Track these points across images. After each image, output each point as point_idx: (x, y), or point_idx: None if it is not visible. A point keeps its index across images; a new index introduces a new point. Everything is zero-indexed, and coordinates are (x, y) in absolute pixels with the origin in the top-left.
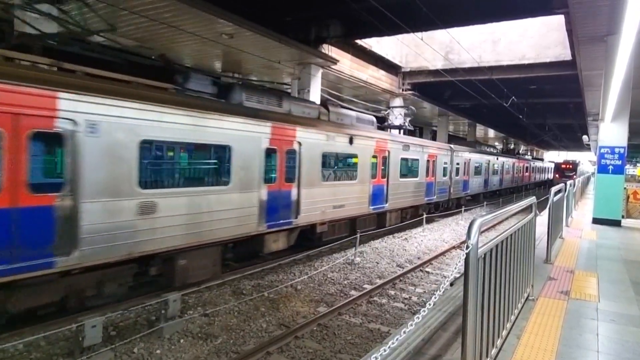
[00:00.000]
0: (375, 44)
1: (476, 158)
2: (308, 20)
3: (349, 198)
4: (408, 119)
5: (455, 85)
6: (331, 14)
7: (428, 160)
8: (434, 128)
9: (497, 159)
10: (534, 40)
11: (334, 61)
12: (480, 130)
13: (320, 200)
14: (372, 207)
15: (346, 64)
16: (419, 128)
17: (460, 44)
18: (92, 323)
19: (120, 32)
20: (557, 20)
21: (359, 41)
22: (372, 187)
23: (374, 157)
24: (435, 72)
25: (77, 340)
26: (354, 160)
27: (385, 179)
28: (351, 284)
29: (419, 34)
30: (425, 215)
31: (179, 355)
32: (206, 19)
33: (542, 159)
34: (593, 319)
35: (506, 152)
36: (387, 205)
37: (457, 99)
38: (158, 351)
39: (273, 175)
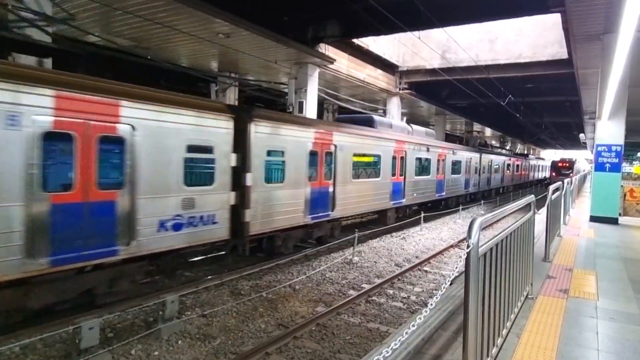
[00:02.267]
0: (372, 43)
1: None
2: (306, 20)
3: None
4: None
5: (452, 84)
6: (329, 14)
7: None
8: (432, 127)
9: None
10: (531, 39)
11: (331, 60)
12: (477, 128)
13: None
14: None
15: (343, 63)
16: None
17: (457, 43)
18: (89, 325)
19: (115, 32)
20: (554, 19)
21: (356, 40)
22: None
23: None
24: (432, 71)
25: (74, 342)
26: None
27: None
28: (349, 284)
29: (416, 33)
30: (423, 215)
31: (177, 357)
32: (202, 18)
33: (526, 155)
34: (592, 317)
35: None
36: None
37: (454, 98)
38: (156, 352)
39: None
